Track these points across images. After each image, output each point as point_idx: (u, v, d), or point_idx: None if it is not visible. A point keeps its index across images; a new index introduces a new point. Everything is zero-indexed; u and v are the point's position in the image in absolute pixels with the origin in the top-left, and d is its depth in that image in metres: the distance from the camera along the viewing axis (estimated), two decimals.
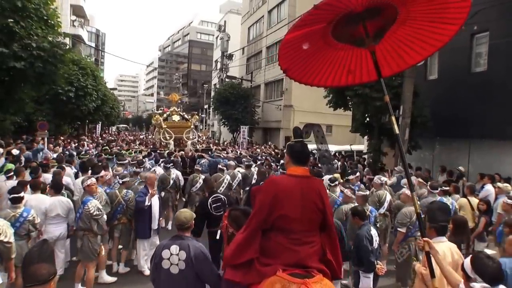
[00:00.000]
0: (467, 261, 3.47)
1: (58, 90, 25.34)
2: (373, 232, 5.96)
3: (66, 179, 9.16)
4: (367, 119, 17.17)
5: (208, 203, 6.99)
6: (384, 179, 9.67)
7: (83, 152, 16.10)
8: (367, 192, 7.76)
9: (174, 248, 4.18)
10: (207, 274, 4.19)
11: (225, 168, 12.01)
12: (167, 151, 18.32)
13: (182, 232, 4.36)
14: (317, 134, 11.22)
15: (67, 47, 18.56)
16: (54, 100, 26.55)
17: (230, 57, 43.01)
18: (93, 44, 66.05)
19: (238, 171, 12.43)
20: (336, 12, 3.34)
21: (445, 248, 4.43)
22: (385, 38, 3.74)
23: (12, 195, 6.26)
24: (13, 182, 7.79)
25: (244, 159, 15.25)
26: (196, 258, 4.13)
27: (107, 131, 58.57)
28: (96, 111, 33.55)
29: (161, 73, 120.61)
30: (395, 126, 3.82)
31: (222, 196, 7.17)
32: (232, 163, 12.81)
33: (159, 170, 11.99)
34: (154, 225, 8.05)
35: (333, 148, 22.08)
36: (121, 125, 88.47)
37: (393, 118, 3.83)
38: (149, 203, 7.76)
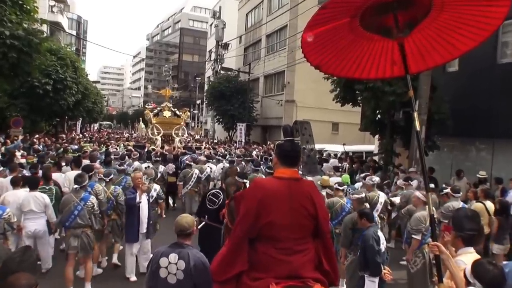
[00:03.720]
0: (469, 268, 3.62)
1: (34, 82, 25.14)
2: (380, 234, 6.18)
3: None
4: (378, 116, 17.06)
5: (208, 194, 7.63)
6: (377, 179, 10.13)
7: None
8: (363, 195, 7.84)
9: (173, 257, 4.26)
10: (205, 286, 4.21)
11: (192, 163, 13.61)
12: (153, 147, 18.91)
13: (183, 239, 4.44)
14: (304, 132, 11.14)
15: (44, 35, 18.51)
16: (29, 93, 26.28)
17: (225, 46, 42.99)
18: (73, 32, 66.11)
19: (208, 166, 14.41)
20: (355, 6, 3.51)
21: (474, 260, 4.38)
22: (423, 27, 3.83)
23: None
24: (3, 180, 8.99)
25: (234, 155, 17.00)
26: (196, 268, 4.19)
27: (88, 129, 58.58)
28: (76, 106, 33.46)
29: (149, 64, 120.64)
30: (417, 122, 3.93)
31: (221, 195, 7.53)
32: (202, 158, 15.07)
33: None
34: (143, 229, 8.24)
35: (338, 148, 21.97)
36: (104, 122, 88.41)
37: (416, 114, 3.96)
38: (140, 200, 8.08)
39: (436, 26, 3.80)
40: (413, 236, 7.39)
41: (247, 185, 7.56)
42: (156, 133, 22.09)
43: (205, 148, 21.78)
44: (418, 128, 3.92)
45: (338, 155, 20.29)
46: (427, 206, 7.39)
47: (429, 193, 3.89)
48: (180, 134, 23.01)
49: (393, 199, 10.60)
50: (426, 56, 4.10)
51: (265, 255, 3.21)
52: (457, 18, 3.65)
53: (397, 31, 3.75)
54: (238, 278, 3.25)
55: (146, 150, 18.43)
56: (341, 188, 8.87)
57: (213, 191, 7.79)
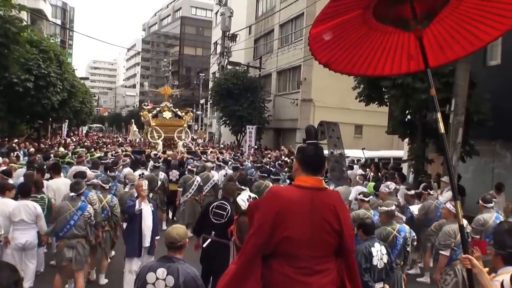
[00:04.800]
0: (507, 279, 3.68)
1: (13, 79, 24.97)
2: (376, 248, 6.17)
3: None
4: (408, 116, 17.03)
5: (211, 207, 7.76)
6: (393, 187, 10.13)
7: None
8: (393, 207, 7.74)
9: (161, 272, 4.37)
10: None
11: (194, 169, 13.94)
12: (154, 152, 18.97)
13: (173, 253, 4.60)
14: (332, 135, 11.09)
15: (24, 23, 18.52)
16: (7, 92, 26.08)
17: (233, 38, 43.04)
18: (58, 21, 66.63)
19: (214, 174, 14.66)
20: None
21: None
22: (442, 17, 3.95)
23: None
24: None
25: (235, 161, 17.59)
26: (186, 285, 4.30)
27: (76, 132, 58.83)
28: (61, 107, 33.60)
29: (145, 58, 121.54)
30: (440, 124, 3.95)
31: (228, 206, 7.68)
32: (209, 164, 15.31)
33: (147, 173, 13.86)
34: (145, 242, 8.26)
35: (361, 154, 21.86)
36: (94, 125, 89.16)
37: (439, 115, 3.97)
38: (140, 207, 8.13)
39: (457, 16, 3.88)
40: (441, 252, 7.44)
41: (247, 192, 7.56)
42: (156, 137, 22.11)
43: (211, 153, 21.80)
44: (442, 130, 3.92)
45: (361, 161, 20.18)
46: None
47: (457, 201, 3.86)
48: (183, 138, 23.01)
49: (411, 207, 10.63)
50: (446, 48, 4.18)
51: (281, 275, 3.19)
52: (480, 6, 3.72)
53: (415, 23, 3.84)
54: None
55: (145, 155, 18.58)
56: (366, 199, 8.87)
57: (217, 202, 7.88)
